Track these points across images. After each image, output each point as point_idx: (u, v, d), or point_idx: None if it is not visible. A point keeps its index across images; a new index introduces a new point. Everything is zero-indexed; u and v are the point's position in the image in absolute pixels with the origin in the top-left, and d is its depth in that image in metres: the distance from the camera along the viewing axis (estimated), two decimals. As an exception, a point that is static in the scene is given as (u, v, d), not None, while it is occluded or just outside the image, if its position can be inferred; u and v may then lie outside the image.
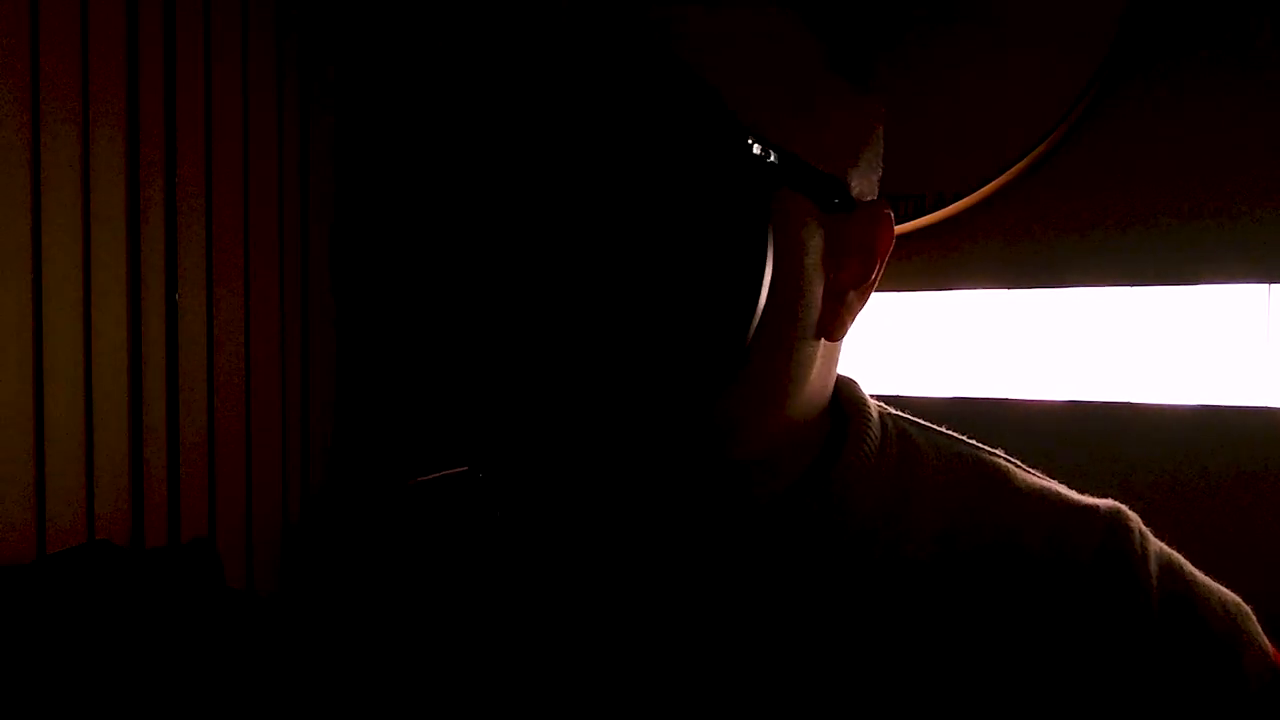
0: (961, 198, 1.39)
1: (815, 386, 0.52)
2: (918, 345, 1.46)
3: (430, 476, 0.63)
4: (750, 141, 0.43)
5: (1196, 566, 0.54)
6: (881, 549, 0.51)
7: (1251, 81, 1.26)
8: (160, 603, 1.43)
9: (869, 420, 0.55)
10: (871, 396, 0.58)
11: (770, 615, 0.50)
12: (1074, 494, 0.55)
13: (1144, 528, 0.52)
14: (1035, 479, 0.55)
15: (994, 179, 1.37)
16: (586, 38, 0.42)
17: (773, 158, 0.44)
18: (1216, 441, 1.27)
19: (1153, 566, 0.50)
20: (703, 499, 0.50)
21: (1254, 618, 0.52)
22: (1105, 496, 0.54)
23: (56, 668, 1.29)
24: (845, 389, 0.57)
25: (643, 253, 0.42)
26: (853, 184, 0.50)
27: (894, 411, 0.58)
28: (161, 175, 1.68)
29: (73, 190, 1.56)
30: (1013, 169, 1.35)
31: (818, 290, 0.48)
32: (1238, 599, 0.52)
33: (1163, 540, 0.54)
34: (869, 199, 0.51)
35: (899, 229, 1.44)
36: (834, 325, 0.50)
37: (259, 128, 1.84)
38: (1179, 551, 0.54)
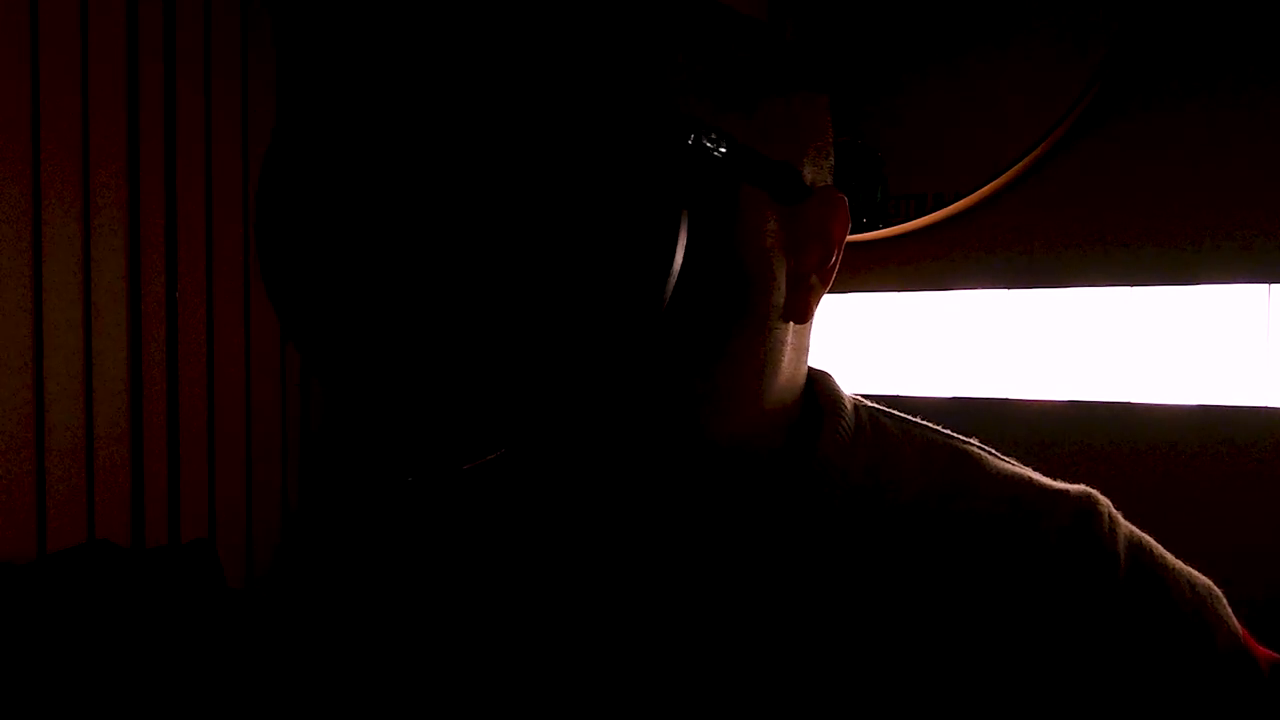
0: (961, 198, 1.39)
1: (787, 372, 0.54)
2: (918, 345, 1.46)
3: (428, 473, 0.64)
4: (701, 138, 0.46)
5: (1197, 566, 0.55)
6: (860, 532, 0.53)
7: (1253, 81, 1.26)
8: (160, 603, 1.43)
9: (844, 410, 0.57)
10: (868, 395, 0.60)
11: (758, 597, 0.51)
12: (1046, 479, 0.57)
13: (1114, 511, 0.54)
14: (1008, 465, 0.57)
15: (994, 179, 1.37)
16: (546, 54, 0.44)
17: (723, 150, 0.47)
18: (1216, 441, 1.27)
19: (1121, 545, 0.52)
20: (685, 484, 0.52)
21: (1224, 600, 0.54)
22: (1105, 495, 0.55)
23: (56, 668, 1.29)
24: (820, 381, 0.59)
25: (587, 233, 0.43)
26: (805, 173, 0.52)
27: (868, 403, 0.60)
28: (161, 173, 1.68)
29: (73, 189, 1.56)
30: (1013, 169, 1.35)
31: (781, 274, 0.51)
32: (1208, 581, 0.54)
33: (1162, 539, 0.55)
34: (822, 186, 0.54)
35: (899, 229, 1.44)
36: (800, 308, 0.52)
37: (258, 125, 1.84)
38: (1181, 551, 0.55)
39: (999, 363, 1.41)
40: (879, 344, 1.48)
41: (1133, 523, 0.55)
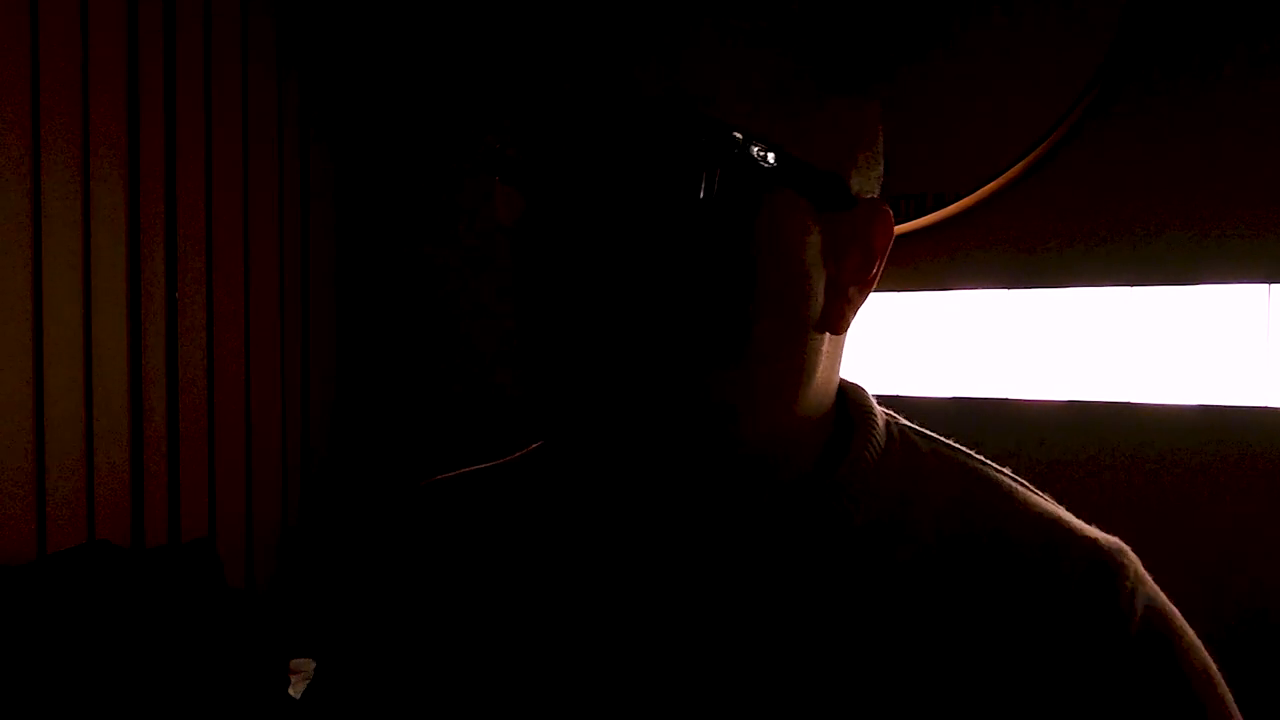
0: (961, 198, 1.39)
1: (820, 382, 0.54)
2: (918, 345, 1.46)
3: (441, 477, 0.64)
4: (744, 145, 0.47)
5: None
6: (879, 549, 0.52)
7: (1252, 81, 1.26)
8: (160, 603, 1.43)
9: (875, 425, 0.57)
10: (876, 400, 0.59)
11: (770, 607, 0.51)
12: (1078, 522, 0.55)
13: (1142, 570, 0.53)
14: (1039, 500, 0.56)
15: (994, 179, 1.37)
16: (602, 95, 0.48)
17: (770, 160, 0.47)
18: (1216, 441, 1.27)
19: (1139, 603, 0.51)
20: (711, 488, 0.52)
21: (1229, 692, 0.52)
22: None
23: (56, 668, 1.30)
24: (853, 395, 0.59)
25: (644, 249, 0.48)
26: (851, 183, 0.52)
27: (901, 420, 0.60)
28: (161, 173, 1.68)
29: (73, 189, 1.56)
30: (1013, 169, 1.35)
31: (819, 283, 0.51)
32: (1217, 670, 0.53)
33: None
34: (869, 197, 0.53)
35: (899, 229, 1.44)
36: (836, 319, 0.52)
37: (258, 124, 1.84)
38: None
39: (999, 362, 1.41)
40: (879, 344, 1.48)
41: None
